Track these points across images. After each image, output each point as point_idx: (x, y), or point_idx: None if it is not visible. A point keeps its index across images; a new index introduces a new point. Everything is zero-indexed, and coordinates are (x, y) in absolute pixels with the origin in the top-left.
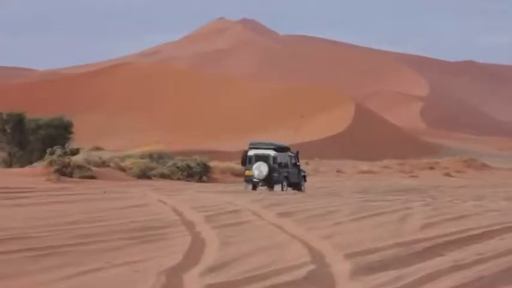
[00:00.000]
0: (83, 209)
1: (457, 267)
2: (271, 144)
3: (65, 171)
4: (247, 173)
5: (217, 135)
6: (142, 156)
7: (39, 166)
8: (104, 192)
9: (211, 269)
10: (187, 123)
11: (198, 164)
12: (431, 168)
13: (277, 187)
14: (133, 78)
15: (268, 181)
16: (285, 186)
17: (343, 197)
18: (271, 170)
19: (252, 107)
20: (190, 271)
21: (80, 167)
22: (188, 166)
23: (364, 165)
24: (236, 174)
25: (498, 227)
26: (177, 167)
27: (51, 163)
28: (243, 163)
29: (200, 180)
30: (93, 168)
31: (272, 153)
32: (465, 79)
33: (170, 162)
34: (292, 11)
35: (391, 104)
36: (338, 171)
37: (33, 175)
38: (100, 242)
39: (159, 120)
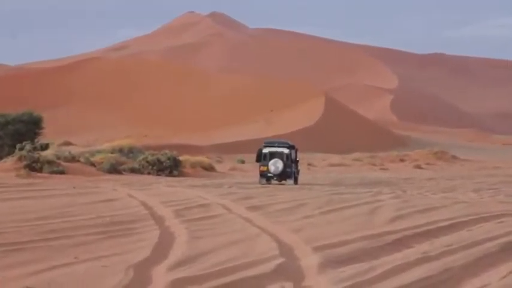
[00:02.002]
0: (52, 204)
1: (425, 259)
2: (284, 142)
3: (34, 167)
4: (262, 168)
5: (188, 129)
6: (112, 151)
7: (8, 161)
8: (74, 187)
9: (180, 263)
10: (157, 118)
11: (169, 159)
12: (402, 160)
13: (289, 181)
14: (104, 72)
15: (282, 175)
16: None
17: (313, 190)
18: (285, 165)
19: (223, 100)
20: (158, 265)
21: (49, 162)
22: (158, 160)
23: (335, 158)
24: (207, 168)
25: (466, 218)
26: (148, 162)
27: (20, 158)
28: (258, 160)
29: (170, 175)
30: (63, 164)
31: (286, 150)
32: (434, 72)
33: (140, 157)
34: (262, 4)
35: (361, 97)
36: (309, 164)
37: (2, 171)
38: (68, 237)
39: (129, 115)
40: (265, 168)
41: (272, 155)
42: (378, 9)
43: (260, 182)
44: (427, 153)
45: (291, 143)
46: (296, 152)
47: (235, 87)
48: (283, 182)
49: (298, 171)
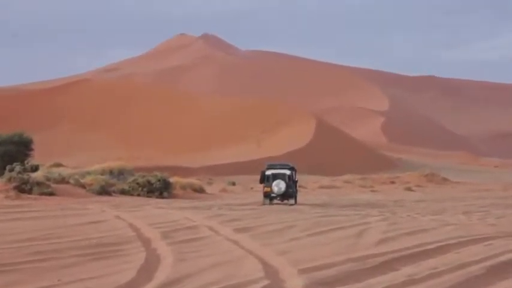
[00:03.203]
0: (40, 225)
1: (410, 282)
2: (286, 164)
3: (24, 188)
4: (265, 189)
5: (178, 151)
6: (102, 173)
7: None
8: (62, 209)
9: (165, 285)
10: (149, 139)
11: (159, 180)
12: (393, 182)
13: (291, 200)
14: (95, 94)
15: (285, 195)
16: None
17: (301, 211)
18: (287, 186)
19: (213, 122)
20: None
21: (39, 183)
22: (148, 182)
23: (326, 180)
24: (197, 190)
25: (454, 241)
26: (138, 183)
27: (10, 180)
28: (262, 181)
29: (160, 196)
30: (53, 185)
31: (287, 172)
32: (426, 94)
33: (131, 178)
34: (253, 26)
35: (352, 119)
36: (299, 186)
37: None
38: (54, 259)
39: (120, 137)
40: (268, 189)
41: (275, 177)
42: (369, 31)
43: (264, 202)
44: (418, 176)
45: (291, 164)
46: (295, 173)
47: (226, 108)
48: (285, 201)
49: (297, 191)
